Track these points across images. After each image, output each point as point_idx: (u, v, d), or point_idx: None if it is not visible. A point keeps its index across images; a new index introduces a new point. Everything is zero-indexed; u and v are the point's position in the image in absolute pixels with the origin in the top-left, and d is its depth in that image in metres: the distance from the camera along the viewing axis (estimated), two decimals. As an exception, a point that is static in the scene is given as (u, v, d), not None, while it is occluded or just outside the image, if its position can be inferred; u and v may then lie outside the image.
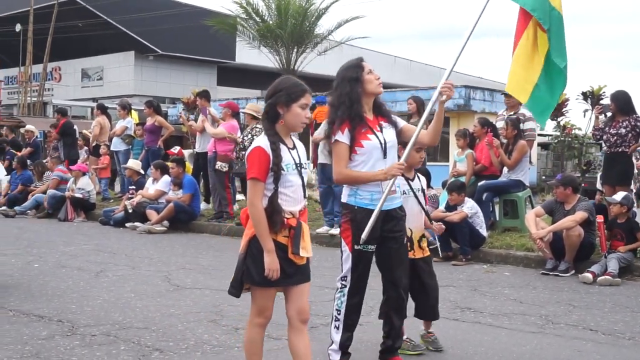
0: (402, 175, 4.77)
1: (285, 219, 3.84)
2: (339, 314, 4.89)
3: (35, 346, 5.14)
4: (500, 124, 10.75)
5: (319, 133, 10.90)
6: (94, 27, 39.53)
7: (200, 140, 13.01)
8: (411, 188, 5.07)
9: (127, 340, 5.29)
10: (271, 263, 3.78)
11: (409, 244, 5.08)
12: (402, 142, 4.75)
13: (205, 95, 13.20)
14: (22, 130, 21.30)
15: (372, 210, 4.49)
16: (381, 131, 4.60)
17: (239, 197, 13.08)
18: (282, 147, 3.87)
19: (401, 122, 4.81)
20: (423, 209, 5.19)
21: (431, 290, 5.24)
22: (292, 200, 3.89)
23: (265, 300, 4.05)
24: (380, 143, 4.56)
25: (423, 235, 5.28)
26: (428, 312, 5.29)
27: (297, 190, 3.92)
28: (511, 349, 5.29)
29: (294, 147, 3.99)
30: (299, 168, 3.94)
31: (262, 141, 3.87)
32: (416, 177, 5.25)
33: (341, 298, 4.95)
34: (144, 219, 12.17)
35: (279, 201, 3.82)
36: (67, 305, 6.45)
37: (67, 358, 4.88)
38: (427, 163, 11.39)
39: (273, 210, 3.81)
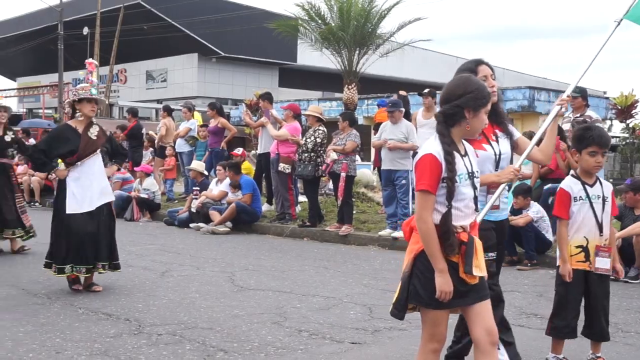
0: (579, 179, 4.64)
1: (456, 233, 3.46)
2: None
3: (103, 344, 5.25)
4: (566, 126, 10.54)
5: (378, 138, 10.86)
6: (158, 30, 40.22)
7: (262, 141, 13.10)
8: (587, 195, 4.72)
9: (192, 340, 5.35)
10: (444, 284, 3.40)
11: (583, 254, 4.71)
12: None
13: (267, 97, 13.29)
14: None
15: (484, 221, 4.06)
16: (497, 141, 4.25)
17: (302, 198, 13.13)
18: (456, 155, 3.49)
19: (516, 134, 4.43)
20: (596, 218, 4.72)
21: (601, 308, 4.80)
22: (464, 214, 3.51)
23: (437, 324, 3.58)
24: (495, 154, 4.22)
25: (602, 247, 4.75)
26: (596, 332, 4.85)
27: (469, 204, 3.54)
28: (579, 357, 5.17)
29: (466, 153, 3.62)
30: (472, 178, 3.56)
31: (434, 148, 3.48)
32: (597, 184, 4.80)
33: None
34: (208, 219, 12.31)
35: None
36: (133, 304, 6.57)
37: (135, 356, 4.96)
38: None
39: (447, 231, 3.42)
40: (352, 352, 5.17)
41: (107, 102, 38.10)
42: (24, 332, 5.55)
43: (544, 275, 8.46)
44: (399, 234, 10.32)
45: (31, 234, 9.59)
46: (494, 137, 4.26)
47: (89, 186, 7.07)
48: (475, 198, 3.58)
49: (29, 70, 54.27)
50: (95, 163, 7.16)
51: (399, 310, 3.64)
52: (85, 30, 37.17)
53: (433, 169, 3.43)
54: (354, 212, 11.64)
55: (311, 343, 5.34)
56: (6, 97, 42.44)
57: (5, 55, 51.54)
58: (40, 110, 43.97)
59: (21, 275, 7.93)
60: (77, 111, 7.21)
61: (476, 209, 3.61)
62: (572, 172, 4.94)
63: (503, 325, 4.43)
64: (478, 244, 3.52)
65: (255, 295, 7.04)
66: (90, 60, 7.76)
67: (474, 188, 3.58)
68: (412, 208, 10.59)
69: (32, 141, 20.79)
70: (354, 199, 12.03)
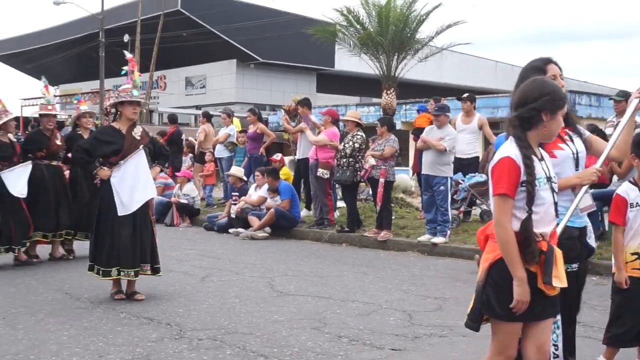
0: (636, 185, 4.53)
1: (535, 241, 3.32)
2: (556, 349, 3.97)
3: (145, 348, 5.30)
4: (609, 131, 10.39)
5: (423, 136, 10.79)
6: (197, 37, 40.60)
7: (301, 147, 13.13)
8: None
9: (233, 345, 5.38)
10: (522, 294, 3.27)
11: (639, 261, 4.61)
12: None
13: (306, 103, 13.33)
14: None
15: (567, 227, 3.88)
16: (571, 140, 4.09)
17: (340, 204, 13.13)
18: (534, 159, 3.39)
19: (585, 132, 4.25)
20: None
21: None
22: (543, 220, 3.38)
23: (509, 337, 3.44)
24: (573, 153, 4.05)
25: None
26: None
27: (549, 209, 3.41)
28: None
29: (542, 157, 3.51)
30: (550, 182, 3.45)
31: (511, 151, 3.37)
32: None
33: (555, 331, 3.92)
34: (247, 225, 12.37)
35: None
36: (174, 308, 6.63)
37: (176, 361, 5.01)
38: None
39: (527, 238, 3.29)
40: (393, 358, 5.15)
41: (147, 108, 38.59)
42: (67, 335, 5.64)
43: (587, 282, 8.32)
44: (438, 239, 10.27)
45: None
46: (567, 137, 4.11)
47: (134, 185, 6.99)
48: (555, 204, 3.48)
49: (70, 78, 55.15)
50: (139, 160, 7.06)
51: (473, 322, 3.50)
52: (126, 38, 37.65)
53: (511, 172, 3.33)
54: (393, 217, 11.60)
55: (351, 349, 5.33)
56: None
57: (48, 62, 52.45)
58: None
59: (65, 280, 8.05)
60: (119, 113, 7.15)
61: (556, 215, 3.49)
62: (629, 178, 4.85)
63: (568, 351, 4.20)
64: (558, 253, 3.40)
65: (294, 300, 7.05)
66: (130, 55, 7.63)
67: (553, 193, 3.47)
68: (451, 215, 10.53)
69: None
70: (392, 205, 11.99)
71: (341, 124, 12.94)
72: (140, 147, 7.10)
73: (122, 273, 6.94)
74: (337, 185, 12.61)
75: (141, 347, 5.32)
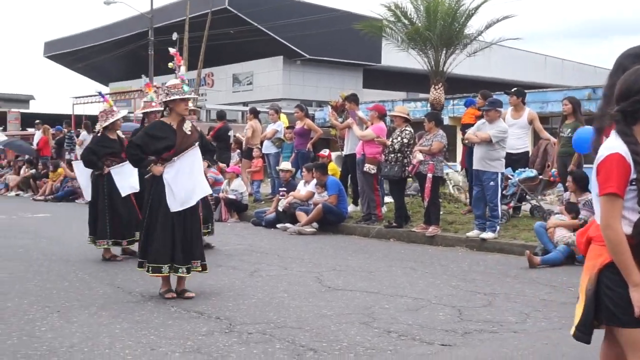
0: None
1: None
2: None
3: (196, 342, 5.35)
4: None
5: (471, 131, 10.67)
6: (244, 34, 40.87)
7: (348, 142, 13.12)
8: None
9: (282, 339, 5.40)
10: None
11: None
12: None
13: (353, 98, 13.31)
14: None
15: None
16: None
17: (388, 199, 13.10)
18: None
19: None
20: None
21: None
22: None
23: None
24: None
25: None
26: None
27: None
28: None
29: None
30: None
31: (619, 147, 3.08)
32: None
33: None
34: (295, 220, 12.42)
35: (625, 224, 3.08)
36: (224, 303, 6.68)
37: (226, 354, 5.04)
38: (584, 165, 10.99)
39: None
40: (443, 354, 5.11)
41: (196, 103, 38.96)
42: (120, 329, 5.72)
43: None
44: (487, 235, 10.16)
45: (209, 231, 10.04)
46: None
47: (189, 182, 6.92)
48: None
49: (120, 76, 56.00)
50: (192, 157, 7.01)
51: (584, 333, 3.23)
52: (175, 36, 38.03)
53: (620, 169, 3.05)
54: (441, 212, 11.52)
55: (400, 344, 5.31)
56: (99, 101, 43.87)
57: (98, 61, 53.37)
58: (132, 114, 45.26)
59: (117, 274, 8.18)
60: (170, 109, 7.05)
61: None
62: None
63: None
64: None
65: (343, 295, 7.05)
66: (174, 49, 7.58)
67: None
68: (500, 211, 10.41)
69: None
70: (440, 200, 11.90)
71: (388, 119, 12.89)
72: (196, 144, 7.06)
73: (179, 270, 6.87)
74: (384, 181, 12.59)
75: (192, 341, 5.37)
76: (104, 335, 5.50)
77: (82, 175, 10.07)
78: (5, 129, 51.10)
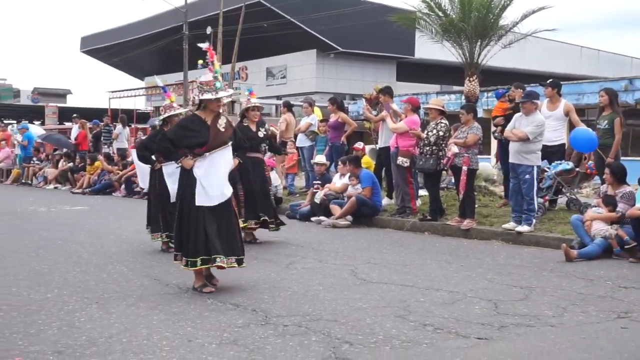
0: None
1: None
2: None
3: (232, 333, 5.40)
4: None
5: (511, 129, 10.57)
6: (278, 27, 40.92)
7: (383, 135, 13.10)
8: None
9: (318, 332, 5.42)
10: None
11: None
12: None
13: (388, 91, 13.27)
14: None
15: None
16: None
17: (422, 192, 13.05)
18: None
19: None
20: None
21: None
22: None
23: None
24: None
25: None
26: None
27: None
28: None
29: None
30: None
31: None
32: None
33: None
34: (329, 213, 12.43)
35: None
36: (259, 295, 6.72)
37: (262, 346, 5.07)
38: (621, 158, 10.85)
39: None
40: (479, 347, 5.09)
41: (232, 98, 39.14)
42: (157, 320, 5.79)
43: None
44: (523, 228, 10.08)
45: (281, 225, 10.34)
46: None
47: (218, 179, 6.90)
48: None
49: (155, 70, 56.34)
50: (224, 156, 7.01)
51: None
52: (209, 30, 38.24)
53: None
54: (476, 205, 11.45)
55: (436, 337, 5.30)
56: (135, 95, 44.34)
57: (133, 56, 53.83)
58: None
59: (153, 266, 8.27)
60: (204, 105, 6.99)
61: None
62: None
63: None
64: None
65: (378, 288, 7.05)
66: (205, 44, 7.48)
67: None
68: (536, 204, 10.32)
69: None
70: (475, 193, 11.83)
71: (422, 111, 12.83)
72: (229, 143, 7.06)
73: (218, 259, 6.82)
74: (419, 174, 12.54)
75: (228, 332, 5.42)
76: (141, 327, 5.58)
77: (140, 164, 10.08)
78: (43, 123, 51.93)
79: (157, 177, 9.46)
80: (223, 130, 7.02)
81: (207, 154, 6.90)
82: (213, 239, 6.82)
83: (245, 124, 9.98)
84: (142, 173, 10.33)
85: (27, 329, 5.50)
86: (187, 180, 6.94)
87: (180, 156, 6.99)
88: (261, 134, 10.13)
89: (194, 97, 7.38)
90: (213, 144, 6.92)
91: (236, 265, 7.01)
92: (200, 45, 7.53)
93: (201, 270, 6.95)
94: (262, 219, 10.03)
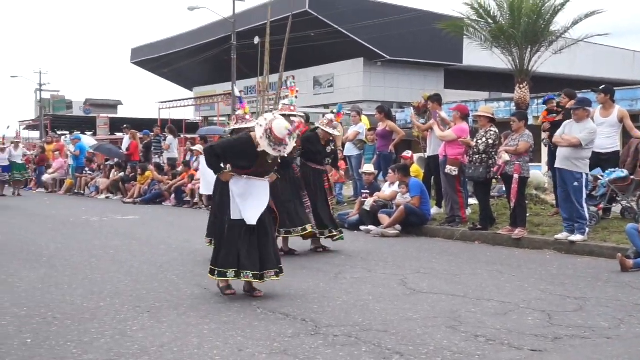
0: None
1: None
2: None
3: (282, 343, 5.39)
4: None
5: (558, 134, 10.41)
6: (325, 37, 41.06)
7: (431, 144, 13.01)
8: None
9: (368, 342, 5.38)
10: None
11: None
12: None
13: (437, 98, 13.19)
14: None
15: None
16: None
17: (471, 201, 12.91)
18: None
19: None
20: None
21: None
22: None
23: None
24: None
25: None
26: None
27: None
28: None
29: None
30: None
31: None
32: None
33: None
34: (377, 222, 12.38)
35: None
36: (309, 305, 6.71)
37: (312, 357, 5.06)
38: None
39: None
40: (532, 359, 4.99)
41: (277, 108, 39.30)
42: (208, 329, 5.82)
43: None
44: (576, 237, 9.89)
45: (342, 236, 10.33)
46: None
47: (252, 202, 6.95)
48: None
49: (204, 80, 57.13)
50: (261, 187, 7.08)
51: None
52: (256, 40, 38.50)
53: None
54: (527, 214, 11.28)
55: (488, 349, 5.21)
56: (184, 106, 44.90)
57: (182, 67, 54.56)
58: (215, 118, 46.15)
59: (203, 276, 8.27)
60: None
61: None
62: None
63: None
64: None
65: (428, 298, 6.98)
66: (290, 83, 7.66)
67: None
68: (589, 212, 10.12)
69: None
70: (527, 201, 11.65)
71: (471, 119, 12.71)
72: (267, 179, 7.13)
73: (242, 275, 6.91)
74: (468, 182, 12.41)
75: (278, 342, 5.41)
76: (192, 336, 5.61)
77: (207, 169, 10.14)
78: (95, 134, 52.91)
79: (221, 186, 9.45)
80: (270, 162, 7.04)
81: (246, 177, 7.00)
82: (244, 253, 6.89)
83: (316, 135, 10.30)
84: (207, 179, 10.29)
85: (81, 337, 5.58)
86: (222, 192, 7.07)
87: (219, 171, 7.10)
88: (329, 149, 10.37)
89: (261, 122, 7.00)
90: (255, 172, 7.01)
91: (275, 277, 7.04)
92: (286, 86, 7.70)
93: (225, 283, 7.11)
94: (323, 229, 10.09)
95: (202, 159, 10.87)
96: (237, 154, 7.00)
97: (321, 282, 7.89)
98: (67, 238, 12.04)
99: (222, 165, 7.12)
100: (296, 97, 10.13)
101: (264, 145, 6.74)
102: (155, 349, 5.26)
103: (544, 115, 12.17)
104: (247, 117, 9.07)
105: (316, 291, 7.35)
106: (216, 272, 7.00)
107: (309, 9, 41.82)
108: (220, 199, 7.20)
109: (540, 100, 27.11)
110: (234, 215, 6.91)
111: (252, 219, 6.89)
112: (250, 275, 6.90)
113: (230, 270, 6.91)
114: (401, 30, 40.35)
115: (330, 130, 10.15)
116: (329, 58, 45.10)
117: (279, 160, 7.25)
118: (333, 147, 10.46)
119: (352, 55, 44.26)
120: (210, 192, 10.00)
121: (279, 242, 9.33)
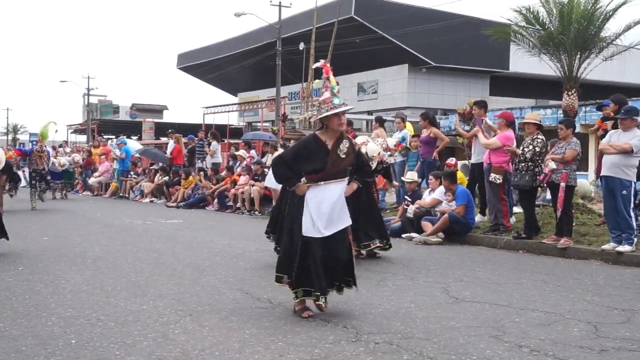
0: None
1: None
2: None
3: (323, 349, 5.37)
4: None
5: (605, 142, 10.23)
6: (370, 43, 41.03)
7: (476, 151, 12.89)
8: None
9: (410, 350, 5.33)
10: None
11: None
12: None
13: (482, 104, 13.06)
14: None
15: None
16: None
17: (517, 209, 12.74)
18: None
19: None
20: None
21: None
22: None
23: None
24: None
25: None
26: None
27: None
28: None
29: None
30: None
31: None
32: None
33: None
34: (420, 229, 12.29)
35: None
36: (350, 311, 6.67)
37: (353, 363, 5.03)
38: None
39: None
40: (578, 371, 4.90)
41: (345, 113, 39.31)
42: (249, 334, 5.82)
43: None
44: (623, 248, 9.69)
45: (389, 245, 10.13)
46: None
47: (330, 213, 6.46)
48: None
49: (248, 86, 57.51)
50: (338, 187, 6.58)
51: None
52: (301, 46, 38.69)
53: None
54: (574, 224, 11.09)
55: (533, 360, 5.13)
56: (228, 111, 45.24)
57: (227, 72, 55.00)
58: (259, 124, 46.40)
59: (245, 280, 8.34)
60: (325, 126, 6.55)
61: None
62: None
63: None
64: None
65: (471, 307, 6.89)
66: (320, 62, 7.04)
67: None
68: (635, 222, 9.91)
69: (252, 152, 21.98)
70: (573, 211, 11.45)
71: (516, 127, 12.56)
72: (346, 177, 6.65)
73: (313, 294, 6.42)
74: (513, 190, 12.25)
75: (319, 348, 5.39)
76: (233, 340, 5.61)
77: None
78: (140, 138, 53.57)
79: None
80: (343, 157, 6.54)
81: (323, 182, 6.49)
82: (320, 272, 6.43)
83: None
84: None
85: (124, 339, 5.63)
86: (296, 205, 6.55)
87: (294, 184, 6.55)
88: (372, 165, 10.35)
89: (314, 118, 6.95)
90: (330, 172, 6.48)
91: (353, 288, 6.75)
92: (316, 64, 7.11)
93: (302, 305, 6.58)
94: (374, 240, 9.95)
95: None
96: (307, 157, 6.48)
97: (363, 289, 7.82)
98: (112, 241, 12.19)
99: (293, 175, 6.57)
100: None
101: (323, 115, 6.46)
102: (197, 352, 5.28)
103: (599, 123, 11.92)
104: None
105: (358, 298, 7.31)
106: (296, 292, 6.49)
107: (355, 15, 41.84)
108: (292, 215, 6.62)
109: (589, 108, 26.77)
110: (305, 232, 6.41)
111: (326, 230, 6.44)
112: (323, 299, 6.45)
113: (301, 289, 6.45)
114: (446, 36, 40.11)
115: (383, 156, 10.22)
116: (374, 64, 45.05)
117: (355, 158, 6.81)
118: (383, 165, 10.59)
119: (396, 61, 44.14)
120: (277, 186, 9.96)
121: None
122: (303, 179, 6.53)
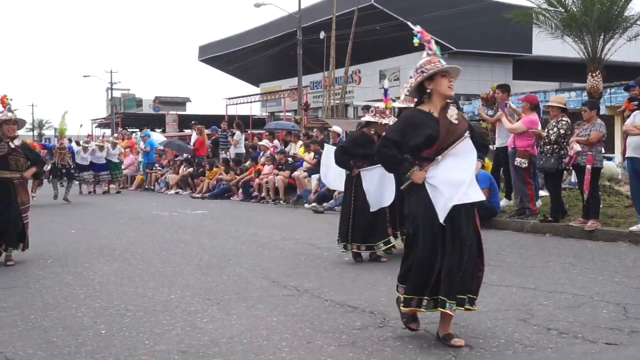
0: None
1: None
2: None
3: (350, 335, 5.38)
4: None
5: (629, 123, 10.12)
6: (391, 30, 40.82)
7: (499, 135, 12.79)
8: None
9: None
10: None
11: None
12: None
13: (505, 88, 12.94)
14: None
15: None
16: None
17: (542, 192, 12.64)
18: None
19: None
20: None
21: None
22: None
23: None
24: None
25: None
26: None
27: None
28: None
29: None
30: None
31: None
32: None
33: None
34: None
35: None
36: (377, 297, 6.67)
37: (381, 349, 5.03)
38: None
39: None
40: (608, 353, 4.85)
41: (343, 103, 39.28)
42: (277, 321, 5.85)
43: None
44: (652, 229, 9.60)
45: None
46: None
47: (455, 182, 5.09)
48: None
49: (270, 76, 57.52)
50: (463, 152, 5.19)
51: None
52: (322, 35, 38.61)
53: None
54: (601, 206, 10.98)
55: (562, 342, 5.09)
56: (251, 102, 45.33)
57: (249, 63, 55.05)
58: (282, 113, 46.42)
59: (271, 269, 8.37)
60: (426, 95, 5.33)
61: None
62: None
63: None
64: None
65: (498, 291, 6.86)
66: (417, 27, 6.10)
67: None
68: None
69: (275, 142, 22.01)
70: (600, 193, 11.35)
71: (541, 110, 12.44)
72: (466, 134, 5.23)
73: (435, 305, 5.13)
74: (538, 174, 12.15)
75: (346, 334, 5.40)
76: (261, 328, 5.64)
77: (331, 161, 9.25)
78: (164, 131, 53.85)
79: (353, 184, 8.75)
80: (456, 122, 5.24)
81: (440, 157, 5.15)
82: (446, 274, 5.07)
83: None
84: (333, 174, 9.42)
85: (152, 329, 5.68)
86: (419, 201, 5.16)
87: (408, 168, 5.23)
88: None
89: (409, 85, 5.91)
90: (445, 140, 5.15)
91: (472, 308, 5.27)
92: (415, 28, 6.12)
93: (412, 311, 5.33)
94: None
95: (327, 148, 10.13)
96: (416, 125, 5.19)
97: (389, 274, 7.79)
98: (139, 232, 12.29)
99: (404, 158, 5.30)
100: (392, 105, 9.01)
101: (430, 72, 5.39)
102: (225, 340, 5.31)
103: (626, 104, 11.78)
104: (387, 112, 8.70)
105: (384, 284, 7.30)
106: (402, 298, 5.26)
107: (375, 2, 41.68)
108: (411, 215, 5.27)
109: (614, 90, 26.46)
110: (443, 218, 5.03)
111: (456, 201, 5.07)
112: (447, 305, 5.06)
113: (424, 298, 5.18)
114: (468, 21, 39.81)
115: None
116: (395, 51, 44.80)
117: (470, 127, 5.41)
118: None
119: (418, 47, 43.71)
120: (339, 187, 9.52)
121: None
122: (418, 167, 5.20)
